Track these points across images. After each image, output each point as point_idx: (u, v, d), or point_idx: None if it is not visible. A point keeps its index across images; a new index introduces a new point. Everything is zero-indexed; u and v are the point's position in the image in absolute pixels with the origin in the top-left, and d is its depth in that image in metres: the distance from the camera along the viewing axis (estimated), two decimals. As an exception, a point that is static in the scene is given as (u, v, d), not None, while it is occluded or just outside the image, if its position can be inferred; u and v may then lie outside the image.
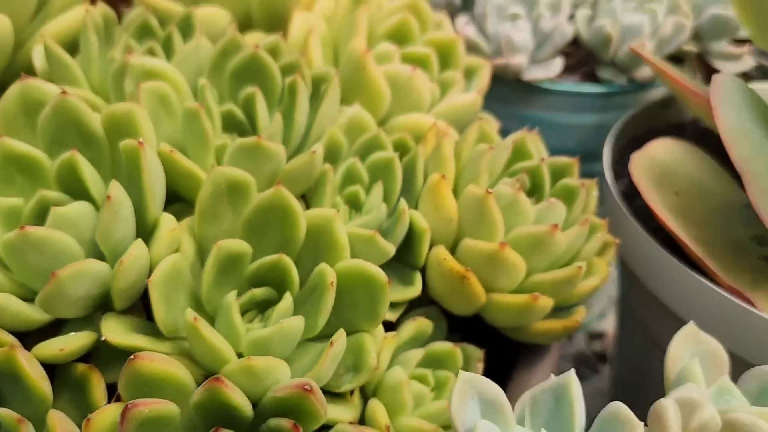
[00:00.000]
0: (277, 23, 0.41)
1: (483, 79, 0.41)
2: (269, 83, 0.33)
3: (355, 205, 0.33)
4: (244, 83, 0.33)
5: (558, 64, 0.49)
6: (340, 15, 0.39)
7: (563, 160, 0.34)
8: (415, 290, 0.30)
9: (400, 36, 0.39)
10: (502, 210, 0.30)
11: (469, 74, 0.41)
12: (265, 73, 0.32)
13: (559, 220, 0.31)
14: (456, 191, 0.32)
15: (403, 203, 0.31)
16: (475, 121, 0.34)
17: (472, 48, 0.51)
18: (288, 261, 0.27)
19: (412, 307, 0.32)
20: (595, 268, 0.32)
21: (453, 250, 0.31)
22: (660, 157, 0.39)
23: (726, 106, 0.33)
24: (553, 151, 0.54)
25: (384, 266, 0.31)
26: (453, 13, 0.54)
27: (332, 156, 0.33)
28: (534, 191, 0.34)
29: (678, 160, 0.40)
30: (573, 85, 0.51)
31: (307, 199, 0.33)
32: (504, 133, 0.54)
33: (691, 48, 0.53)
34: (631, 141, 0.48)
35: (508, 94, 0.52)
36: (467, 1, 0.54)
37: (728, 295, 0.32)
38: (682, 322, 0.35)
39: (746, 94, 0.36)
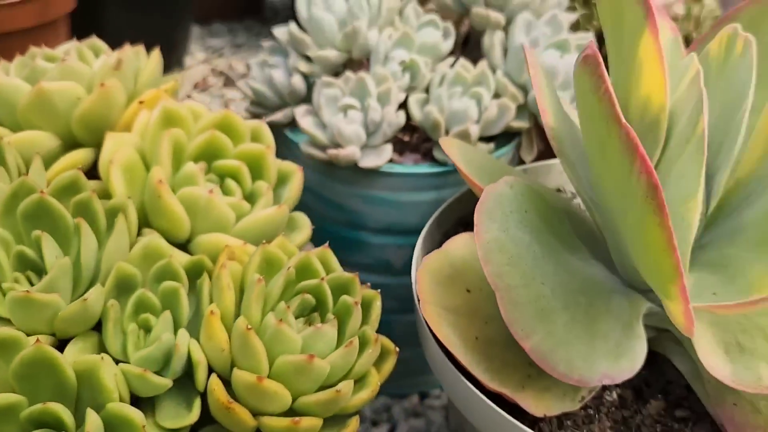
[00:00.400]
0: (101, 139, 0.43)
1: (294, 186, 0.43)
2: (59, 223, 0.35)
3: (149, 331, 0.35)
4: (35, 224, 0.35)
5: (387, 151, 0.52)
6: (150, 134, 0.41)
7: (345, 276, 0.37)
8: (192, 417, 0.33)
9: (212, 151, 0.42)
10: (268, 340, 0.33)
11: (283, 181, 0.44)
12: (54, 215, 0.35)
13: (329, 342, 0.34)
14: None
15: (180, 335, 0.33)
16: (261, 245, 0.36)
17: (311, 139, 0.54)
18: (55, 408, 0.30)
19: (204, 424, 0.35)
20: (368, 381, 0.35)
21: (230, 376, 0.33)
22: (457, 253, 0.42)
23: (487, 220, 0.36)
24: (396, 227, 0.57)
25: (173, 389, 0.34)
26: (299, 102, 0.57)
27: (126, 286, 0.35)
28: (318, 308, 0.36)
29: (477, 254, 0.43)
30: (408, 167, 0.54)
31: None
32: (348, 212, 0.57)
33: (522, 124, 0.56)
34: (459, 220, 0.51)
35: (350, 176, 0.54)
36: (312, 90, 0.56)
37: (487, 401, 0.35)
38: (468, 423, 0.39)
39: (521, 200, 0.39)
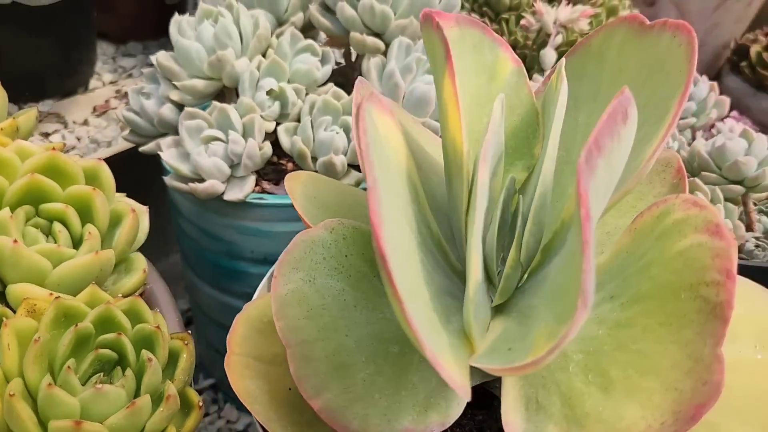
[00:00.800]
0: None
1: (126, 229, 0.42)
2: None
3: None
4: None
5: (250, 184, 0.51)
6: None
7: (147, 329, 0.36)
8: (-35, 484, 0.32)
9: (38, 194, 0.41)
10: (42, 404, 0.31)
11: (116, 223, 0.43)
12: None
13: (114, 402, 0.33)
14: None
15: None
16: (55, 300, 0.35)
17: (174, 171, 0.52)
18: None
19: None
20: (163, 440, 0.34)
21: (7, 440, 0.32)
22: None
23: (290, 271, 0.35)
24: (273, 257, 0.55)
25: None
26: (173, 131, 0.55)
27: None
28: (119, 363, 0.35)
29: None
30: (278, 197, 0.53)
31: None
32: (224, 242, 0.56)
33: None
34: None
35: (221, 207, 0.53)
36: (182, 119, 0.55)
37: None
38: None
39: (341, 244, 0.38)
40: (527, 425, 0.32)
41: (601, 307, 0.34)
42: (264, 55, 0.56)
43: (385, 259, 0.25)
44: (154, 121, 0.55)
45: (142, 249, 0.45)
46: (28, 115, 0.48)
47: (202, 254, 0.59)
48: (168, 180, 0.52)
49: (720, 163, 0.55)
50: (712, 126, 0.73)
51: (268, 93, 0.53)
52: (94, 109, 0.70)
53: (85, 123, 0.68)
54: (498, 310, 0.37)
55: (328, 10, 0.59)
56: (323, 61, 0.57)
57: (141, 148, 0.56)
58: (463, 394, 0.29)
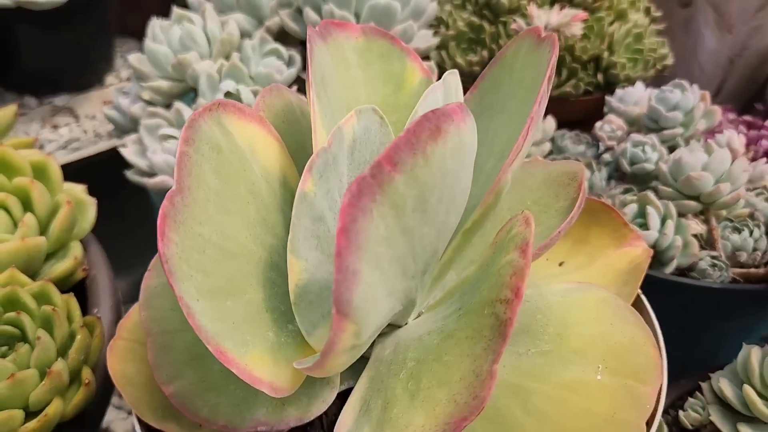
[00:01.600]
0: None
1: (60, 218, 0.46)
2: None
3: None
4: None
5: (198, 181, 0.54)
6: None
7: (47, 310, 0.40)
8: None
9: (-14, 184, 0.46)
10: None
11: (54, 213, 0.47)
12: None
13: (-2, 373, 0.37)
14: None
15: None
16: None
17: (135, 167, 0.56)
18: None
19: None
20: (46, 411, 0.38)
21: None
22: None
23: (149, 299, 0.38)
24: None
25: None
26: (130, 131, 0.60)
27: None
28: (23, 339, 0.39)
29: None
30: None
31: None
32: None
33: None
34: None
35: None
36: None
37: (140, 439, 0.36)
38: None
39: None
40: (351, 426, 0.33)
41: (450, 318, 0.35)
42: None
43: (163, 260, 0.27)
44: (127, 118, 0.59)
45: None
46: (6, 112, 0.54)
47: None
48: (129, 174, 0.56)
49: (676, 177, 0.54)
50: (711, 136, 0.70)
51: (227, 95, 0.56)
52: (104, 104, 0.75)
53: (93, 117, 0.73)
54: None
55: (301, 14, 0.61)
56: (289, 64, 0.59)
57: (114, 144, 0.60)
58: (269, 391, 0.31)
